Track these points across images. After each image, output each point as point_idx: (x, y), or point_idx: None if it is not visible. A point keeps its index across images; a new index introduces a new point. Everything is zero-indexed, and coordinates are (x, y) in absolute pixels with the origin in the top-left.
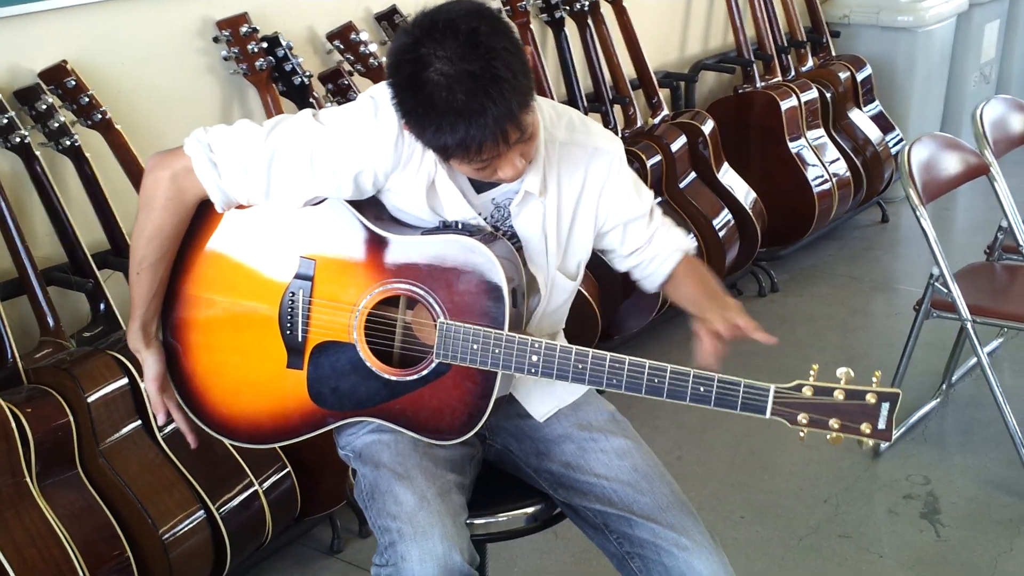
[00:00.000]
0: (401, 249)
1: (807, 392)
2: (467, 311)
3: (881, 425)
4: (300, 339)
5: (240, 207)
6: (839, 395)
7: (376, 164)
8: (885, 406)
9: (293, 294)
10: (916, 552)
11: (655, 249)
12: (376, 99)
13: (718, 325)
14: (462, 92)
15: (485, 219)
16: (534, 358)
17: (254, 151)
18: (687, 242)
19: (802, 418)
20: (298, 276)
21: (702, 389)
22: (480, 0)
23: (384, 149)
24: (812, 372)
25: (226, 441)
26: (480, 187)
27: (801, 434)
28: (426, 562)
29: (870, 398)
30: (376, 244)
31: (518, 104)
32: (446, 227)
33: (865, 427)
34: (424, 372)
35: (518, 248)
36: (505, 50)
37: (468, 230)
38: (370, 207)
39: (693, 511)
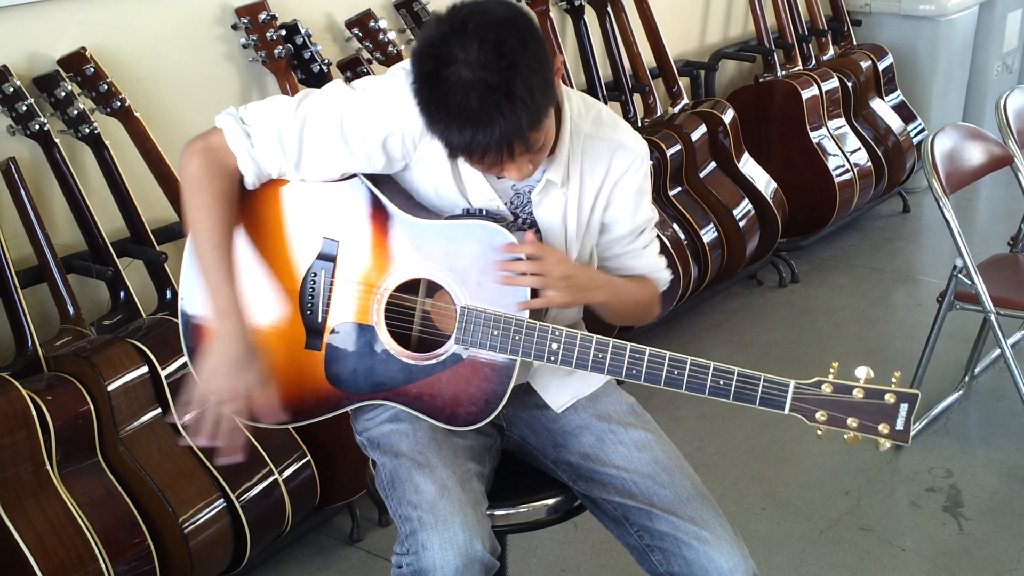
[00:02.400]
0: (425, 233)
1: (826, 389)
2: (489, 296)
3: (899, 426)
4: (320, 320)
5: (272, 182)
6: (858, 394)
7: (405, 127)
8: (904, 407)
9: (315, 274)
10: (938, 545)
11: (623, 263)
12: (408, 70)
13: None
14: (476, 100)
15: (505, 204)
16: (554, 346)
17: (286, 117)
18: (662, 274)
19: (820, 416)
20: (321, 256)
21: (721, 383)
22: (518, 5)
23: (413, 112)
24: (832, 369)
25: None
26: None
27: (819, 432)
28: (447, 551)
29: (889, 398)
30: (400, 227)
31: (528, 122)
32: (469, 213)
33: (883, 428)
34: (443, 357)
35: (538, 238)
36: (528, 67)
37: (492, 217)
38: (395, 191)
39: (714, 503)
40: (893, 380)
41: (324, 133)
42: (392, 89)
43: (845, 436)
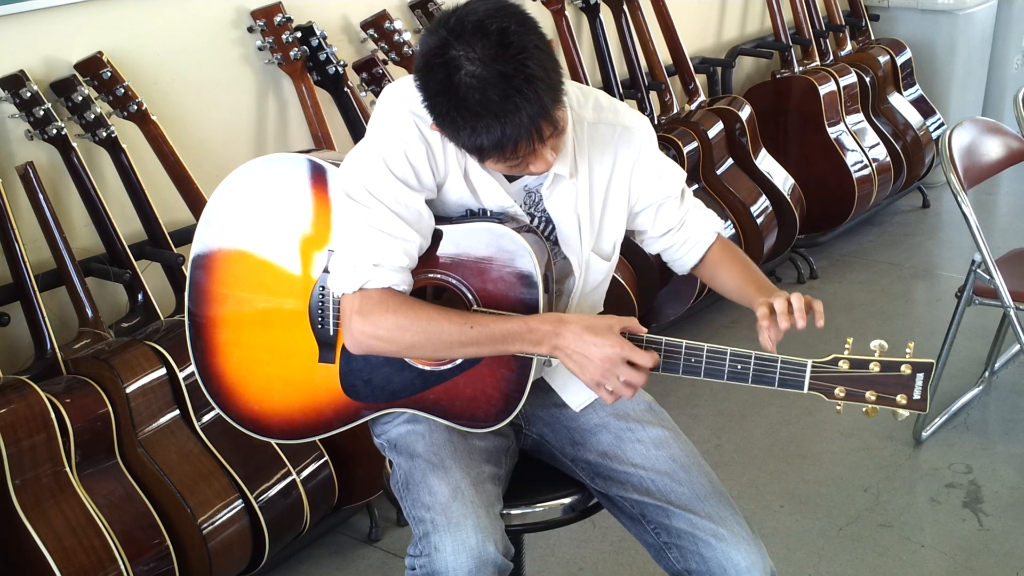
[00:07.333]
0: (432, 238)
1: (843, 366)
2: (500, 299)
3: (916, 395)
4: (331, 333)
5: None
6: (874, 367)
7: (426, 185)
8: (920, 376)
9: (323, 288)
10: (958, 541)
11: (687, 232)
12: (393, 95)
13: (778, 305)
14: (496, 93)
15: (519, 205)
16: None
17: (375, 218)
18: (719, 223)
19: (839, 391)
20: (328, 270)
21: (739, 367)
22: None
23: (426, 174)
24: (847, 345)
25: (259, 438)
26: (512, 176)
27: (838, 407)
28: (459, 553)
29: (905, 369)
30: None
31: (551, 100)
32: (473, 215)
33: (901, 398)
34: (458, 360)
35: (552, 232)
36: (536, 47)
37: (498, 218)
38: None
39: (731, 501)
40: (908, 351)
41: (398, 198)
42: (396, 164)
43: (863, 409)
